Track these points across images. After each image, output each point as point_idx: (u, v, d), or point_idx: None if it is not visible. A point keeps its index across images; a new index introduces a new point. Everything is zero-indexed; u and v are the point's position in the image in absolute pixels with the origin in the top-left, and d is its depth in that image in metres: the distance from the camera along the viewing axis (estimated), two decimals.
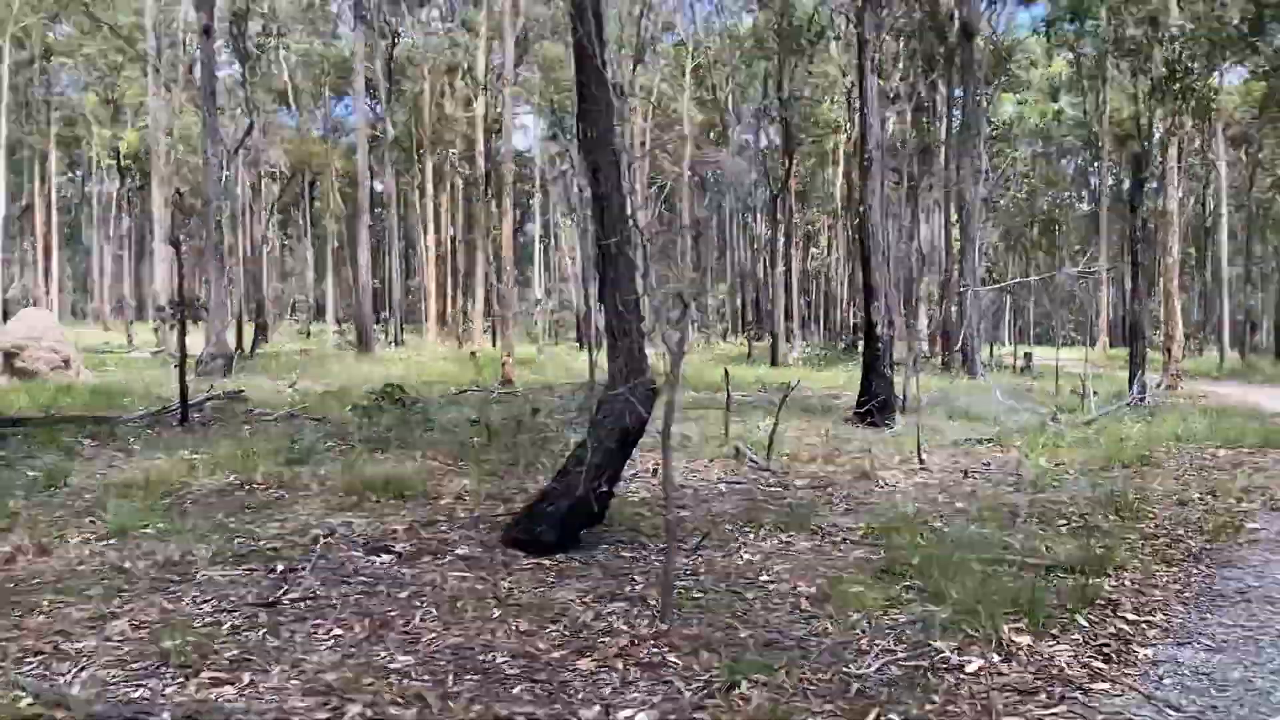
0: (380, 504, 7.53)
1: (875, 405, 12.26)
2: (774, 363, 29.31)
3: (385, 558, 6.01)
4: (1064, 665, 4.27)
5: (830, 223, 54.68)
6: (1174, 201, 21.55)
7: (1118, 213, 39.48)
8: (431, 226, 45.16)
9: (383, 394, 12.40)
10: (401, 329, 43.42)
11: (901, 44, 31.64)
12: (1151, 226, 26.51)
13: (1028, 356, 29.11)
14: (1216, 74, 25.99)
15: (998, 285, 29.00)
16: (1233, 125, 35.60)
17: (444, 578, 5.54)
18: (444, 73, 45.39)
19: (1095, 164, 43.51)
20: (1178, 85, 14.80)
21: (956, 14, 24.00)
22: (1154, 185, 25.08)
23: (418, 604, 5.08)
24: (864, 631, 4.69)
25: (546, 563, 5.90)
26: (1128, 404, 15.40)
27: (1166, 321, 22.83)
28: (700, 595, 5.33)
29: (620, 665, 4.21)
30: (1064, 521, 7.22)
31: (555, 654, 4.36)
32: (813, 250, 58.12)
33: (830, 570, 5.80)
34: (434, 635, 4.59)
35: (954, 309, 24.17)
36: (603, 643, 4.48)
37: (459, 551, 6.12)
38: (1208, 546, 6.61)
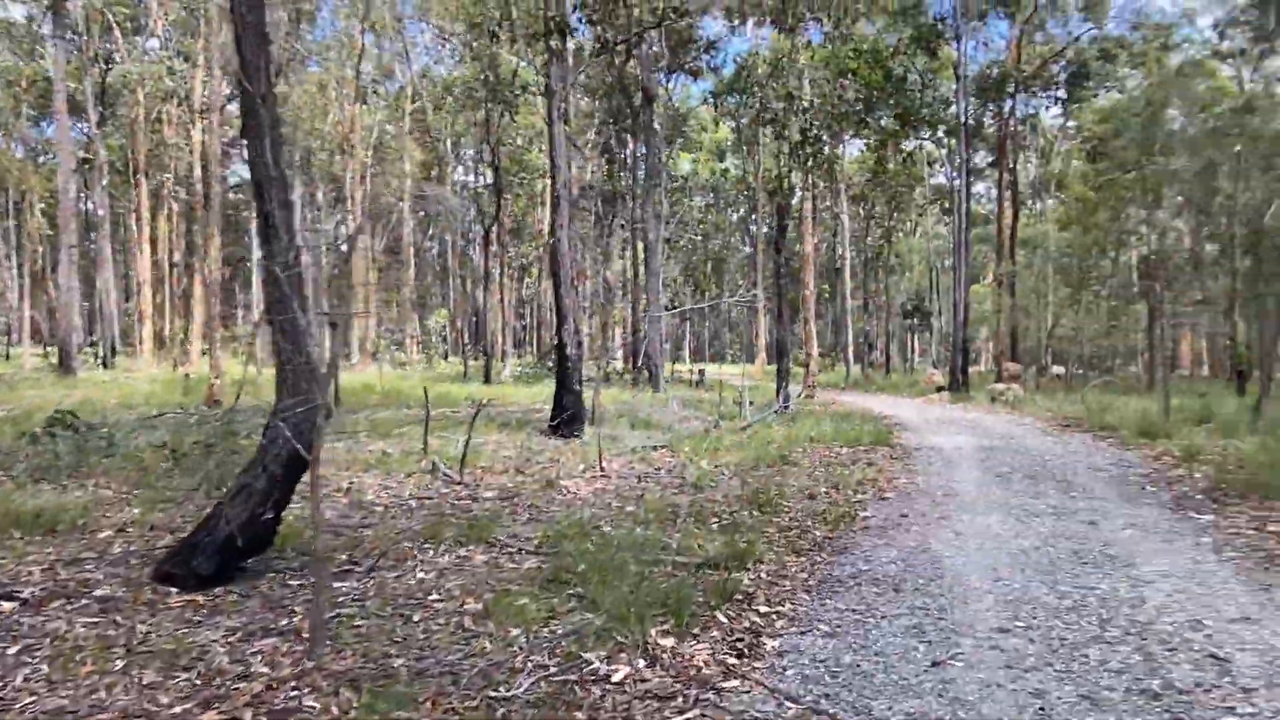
0: (23, 541, 6.10)
1: (565, 418, 12.00)
2: (487, 381, 28.58)
3: (5, 606, 4.76)
4: (702, 665, 4.02)
5: (540, 255, 54.78)
6: (810, 245, 23.43)
7: (770, 254, 42.54)
8: (148, 249, 40.24)
9: (54, 419, 10.41)
10: (114, 351, 38.16)
11: (597, 103, 32.23)
12: (795, 265, 28.66)
13: (701, 372, 30.44)
14: (841, 145, 28.60)
15: (675, 310, 30.07)
16: (853, 187, 39.64)
17: (71, 625, 4.44)
18: (161, 99, 40.68)
19: (753, 214, 46.74)
20: (809, 150, 15.90)
21: (640, 80, 24.73)
22: (795, 233, 27.11)
23: (28, 661, 3.98)
24: (521, 648, 4.21)
25: (200, 599, 4.92)
26: (775, 411, 16.27)
27: (806, 343, 24.65)
28: (363, 622, 4.62)
29: (249, 716, 3.43)
30: (716, 519, 7.19)
31: (177, 708, 3.50)
32: (526, 280, 58.02)
33: (500, 584, 5.29)
34: (33, 700, 3.56)
35: (641, 331, 24.70)
36: (236, 689, 3.67)
37: (98, 593, 4.99)
38: (830, 536, 6.79)
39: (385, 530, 6.73)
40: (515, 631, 4.41)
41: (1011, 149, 35.26)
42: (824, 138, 16.56)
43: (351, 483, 8.89)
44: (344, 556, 5.98)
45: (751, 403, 19.46)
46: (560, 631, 4.42)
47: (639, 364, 25.26)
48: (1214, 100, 31.52)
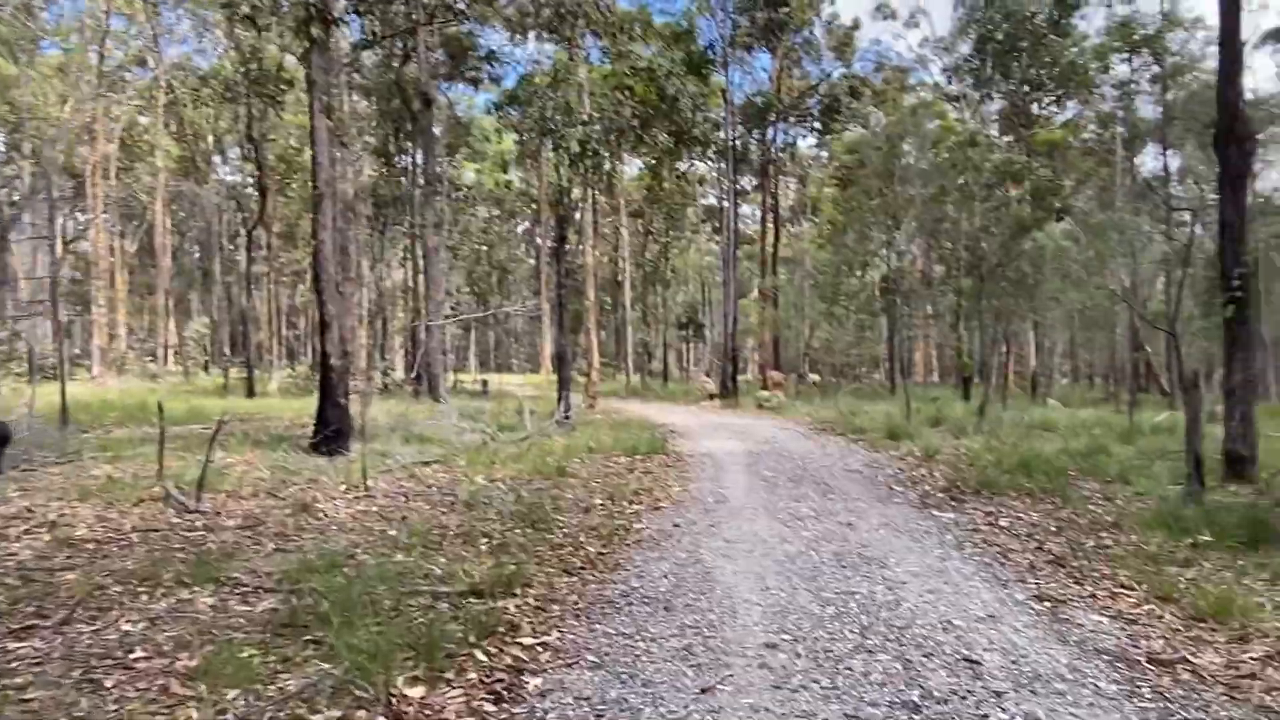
0: None
1: (329, 434, 10.93)
2: (250, 394, 26.12)
3: None
4: (453, 717, 3.47)
5: None
6: (591, 257, 23.43)
7: (554, 265, 42.33)
8: None
9: None
10: None
11: (375, 105, 30.55)
12: (579, 277, 28.51)
13: (484, 382, 29.60)
14: (620, 162, 28.87)
15: (455, 319, 29.06)
16: (632, 203, 40.35)
17: None
18: None
19: (537, 225, 46.36)
20: (588, 162, 15.71)
21: (418, 83, 23.64)
22: (578, 244, 26.97)
23: None
24: (236, 716, 3.47)
25: None
26: (556, 422, 15.90)
27: (588, 352, 24.52)
28: (36, 695, 3.67)
29: None
30: (487, 540, 6.64)
31: None
32: (300, 287, 54.17)
33: (224, 633, 4.45)
34: None
35: (422, 340, 23.53)
36: None
37: None
38: (603, 552, 6.44)
39: (92, 572, 5.60)
40: (232, 694, 3.65)
41: (774, 174, 37.31)
42: (602, 151, 16.45)
43: (61, 515, 7.48)
44: (30, 609, 4.87)
45: (533, 413, 18.99)
46: (290, 689, 3.71)
47: (419, 375, 24.07)
48: (941, 137, 35.01)
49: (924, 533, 7.18)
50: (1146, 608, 5.09)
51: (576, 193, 19.86)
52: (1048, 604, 5.19)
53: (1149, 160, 33.42)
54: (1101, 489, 9.55)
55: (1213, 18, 54.04)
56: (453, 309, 31.26)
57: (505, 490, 8.90)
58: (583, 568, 5.96)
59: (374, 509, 8.06)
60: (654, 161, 25.98)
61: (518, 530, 7.01)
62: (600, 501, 8.39)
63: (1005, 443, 13.99)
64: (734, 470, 10.90)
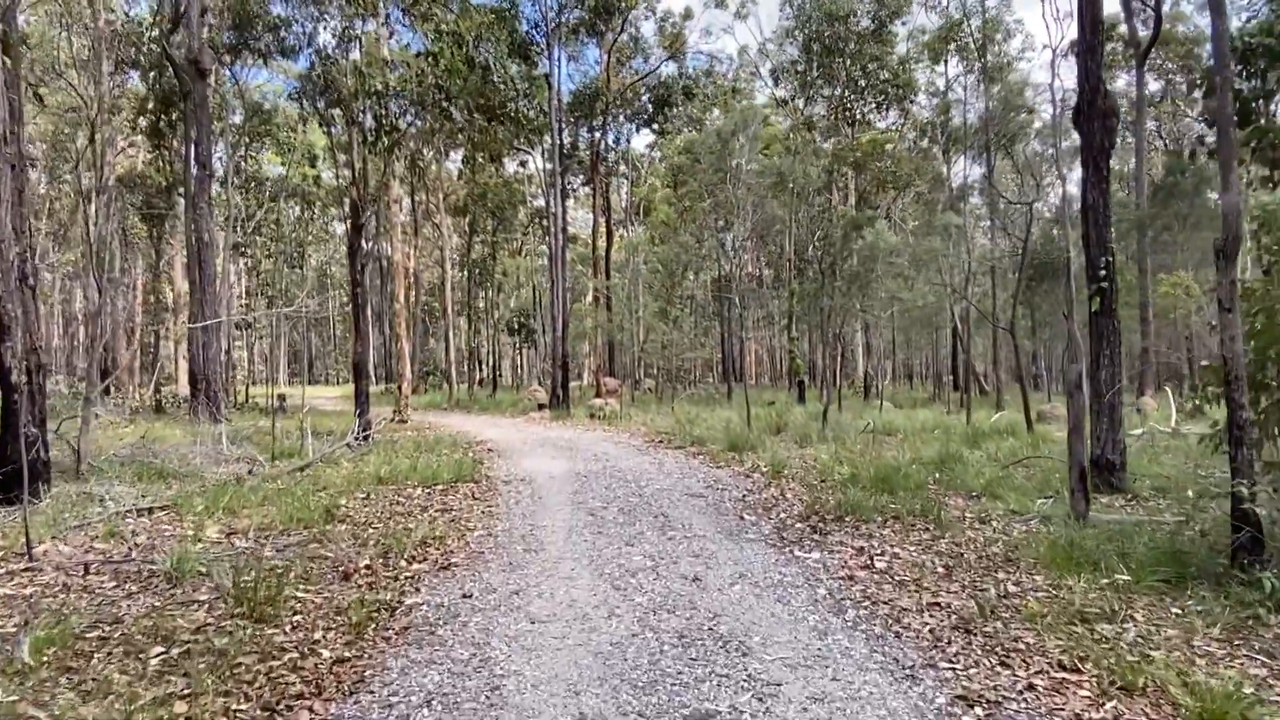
0: None
1: (4, 476, 8.11)
2: None
3: None
4: None
5: (81, 259, 45.10)
6: (401, 254, 20.88)
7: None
8: None
9: None
10: None
11: (143, 80, 26.48)
12: (391, 276, 25.72)
13: (281, 397, 26.23)
14: (432, 148, 26.38)
15: (236, 319, 25.55)
16: (453, 197, 37.72)
17: None
18: None
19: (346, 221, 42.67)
20: (385, 138, 13.39)
21: (188, 50, 20.25)
22: (375, 236, 24.27)
23: None
24: None
25: None
26: (347, 443, 13.44)
27: (398, 361, 21.91)
28: None
29: None
30: (164, 648, 4.41)
31: None
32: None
33: None
34: None
35: (201, 348, 20.10)
36: None
37: None
38: (346, 657, 4.37)
39: None
40: None
41: (604, 173, 35.89)
42: (401, 126, 14.16)
43: None
44: None
45: (330, 433, 16.36)
46: None
47: (196, 388, 20.62)
48: (770, 141, 34.79)
49: (790, 586, 5.58)
50: (1110, 708, 3.63)
51: (375, 181, 17.36)
52: (980, 710, 3.63)
53: (965, 165, 34.52)
54: (969, 506, 8.42)
55: (1030, 24, 57.88)
56: (245, 310, 27.56)
57: (242, 548, 6.60)
58: (302, 695, 3.87)
59: (27, 591, 5.57)
60: (470, 143, 23.70)
61: (229, 622, 4.81)
62: (369, 561, 6.26)
63: (853, 451, 12.94)
64: (556, 501, 9.01)
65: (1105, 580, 5.42)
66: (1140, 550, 5.88)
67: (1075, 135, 9.78)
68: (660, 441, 15.45)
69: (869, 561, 6.20)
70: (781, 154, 31.82)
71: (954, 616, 4.91)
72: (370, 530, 7.34)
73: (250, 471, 10.14)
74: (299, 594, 5.38)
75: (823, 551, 6.56)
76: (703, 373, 39.54)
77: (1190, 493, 8.51)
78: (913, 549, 6.60)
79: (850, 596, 5.34)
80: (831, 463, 11.44)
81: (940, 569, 6.00)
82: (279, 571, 5.68)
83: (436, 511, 8.27)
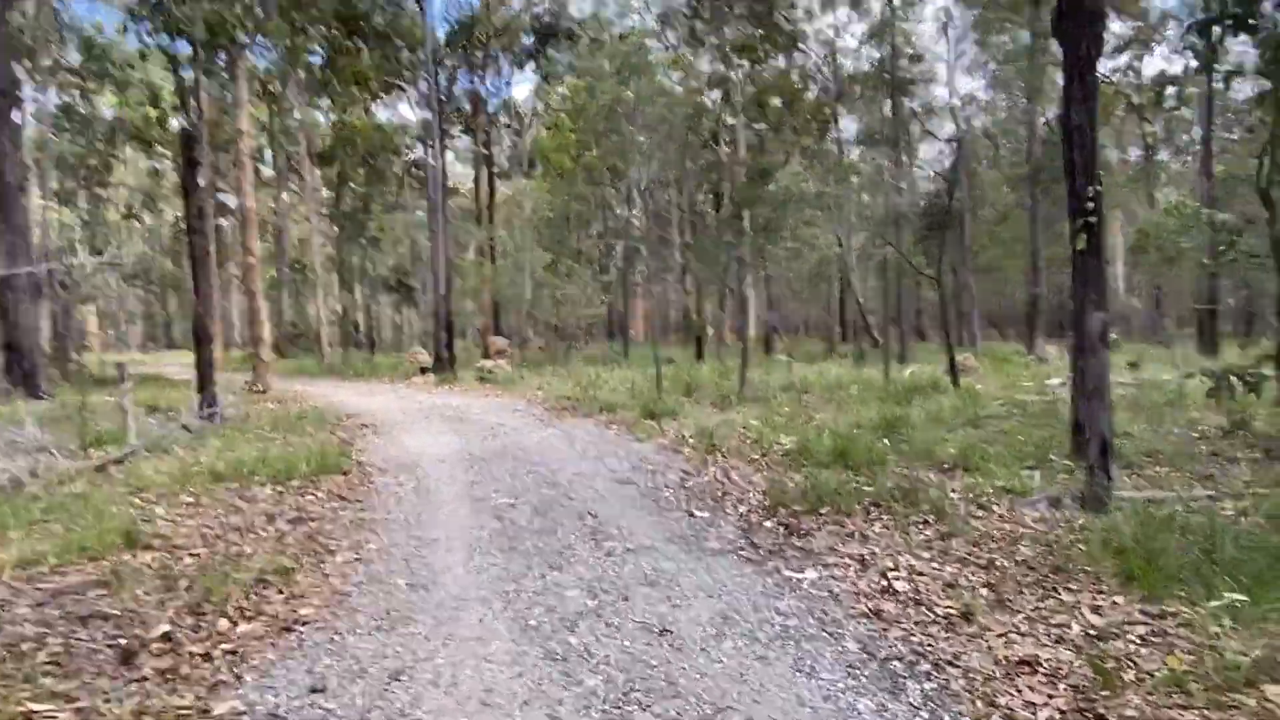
0: None
1: None
2: None
3: None
4: None
5: None
6: (252, 200, 17.89)
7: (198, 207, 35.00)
8: None
9: None
10: None
11: None
12: (237, 224, 22.44)
13: (121, 366, 22.69)
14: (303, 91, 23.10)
15: (48, 270, 21.82)
16: (320, 142, 34.03)
17: None
18: None
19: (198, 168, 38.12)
20: (223, 37, 10.68)
21: None
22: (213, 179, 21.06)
23: None
24: None
25: None
26: (184, 424, 10.88)
27: (252, 323, 19.00)
28: None
29: None
30: None
31: None
32: None
33: None
34: None
35: (13, 307, 16.63)
36: None
37: None
38: None
39: None
40: None
41: (486, 120, 33.11)
42: (239, 35, 11.44)
43: None
44: None
45: (171, 411, 13.60)
46: None
47: (9, 361, 17.17)
48: (661, 90, 32.83)
49: (801, 636, 3.84)
50: None
51: (204, 98, 14.44)
52: None
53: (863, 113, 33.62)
54: (949, 483, 6.97)
55: None
56: (66, 268, 23.67)
57: None
58: None
59: None
60: (333, 66, 20.72)
61: None
62: (169, 624, 4.11)
63: (782, 414, 11.44)
64: (450, 497, 7.00)
65: (1216, 602, 3.92)
66: (1228, 551, 4.44)
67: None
68: (563, 409, 13.54)
69: (885, 582, 4.54)
70: (669, 101, 29.94)
71: (1062, 685, 3.28)
72: (186, 561, 5.15)
73: (33, 473, 7.59)
74: (36, 707, 3.24)
75: (816, 567, 4.86)
76: (593, 331, 37.71)
77: (1186, 461, 7.34)
78: (925, 556, 5.00)
79: (895, 652, 3.64)
80: (766, 430, 9.86)
81: (981, 589, 4.39)
82: (19, 653, 3.51)
83: (288, 523, 6.11)
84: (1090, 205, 7.57)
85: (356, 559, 5.24)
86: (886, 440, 8.97)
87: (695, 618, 4.07)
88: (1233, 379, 9.23)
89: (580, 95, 30.68)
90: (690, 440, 9.57)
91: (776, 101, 31.80)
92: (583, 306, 26.63)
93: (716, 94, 34.45)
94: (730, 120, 35.18)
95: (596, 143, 29.67)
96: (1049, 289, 28.94)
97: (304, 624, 4.15)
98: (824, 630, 3.90)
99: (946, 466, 7.68)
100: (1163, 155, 42.00)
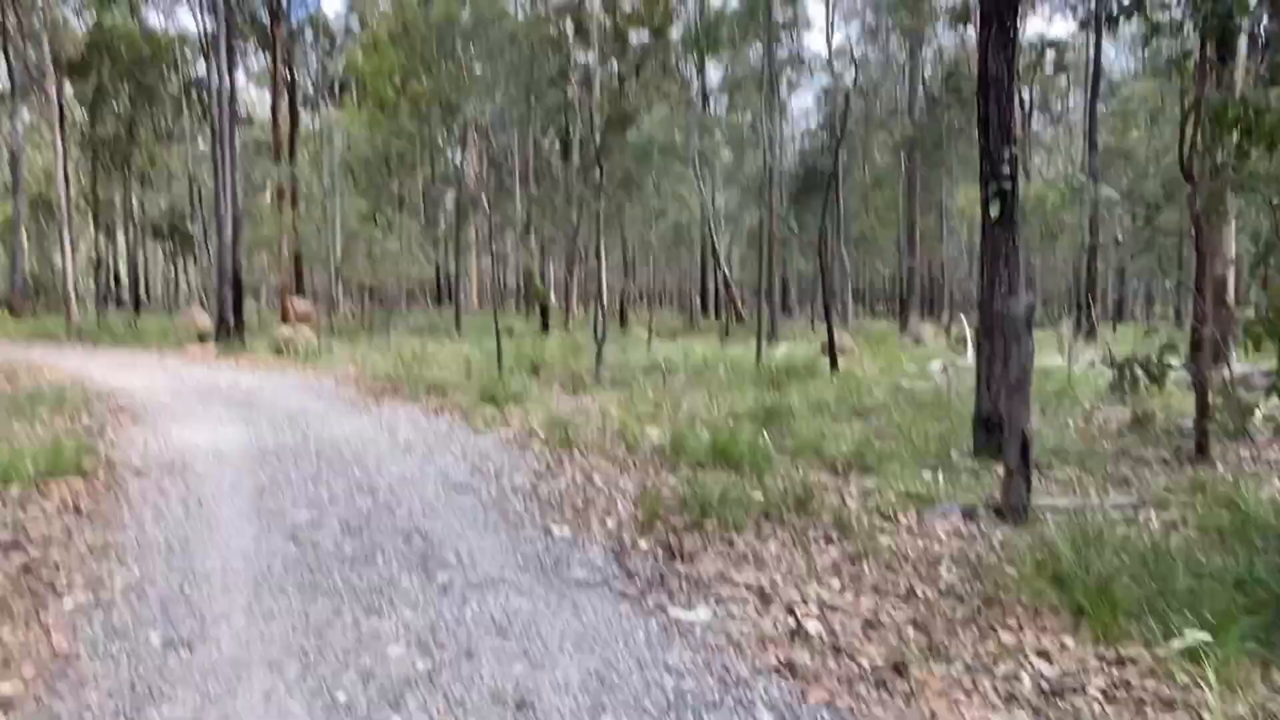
0: None
1: None
2: None
3: None
4: None
5: None
6: None
7: None
8: None
9: None
10: None
11: None
12: None
13: None
14: None
15: None
16: (73, 48, 30.52)
17: None
18: None
19: None
20: None
21: None
22: None
23: None
24: None
25: None
26: None
27: None
28: None
29: None
30: None
31: None
32: None
33: None
34: None
35: None
36: None
37: None
38: None
39: None
40: None
41: (289, 35, 30.83)
42: None
43: None
44: None
45: None
46: None
47: None
48: (503, 13, 31.60)
49: (701, 704, 3.37)
50: None
51: None
52: None
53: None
54: (843, 486, 6.79)
55: None
56: None
57: None
58: None
59: None
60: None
61: None
62: None
63: (645, 401, 11.10)
64: (231, 511, 6.10)
65: (1178, 644, 3.76)
66: (1180, 579, 4.34)
67: None
68: (383, 391, 12.64)
69: (794, 622, 4.15)
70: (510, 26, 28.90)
71: None
72: None
73: None
74: None
75: (709, 601, 4.41)
76: (419, 296, 36.28)
77: (1093, 463, 7.48)
78: (835, 585, 4.67)
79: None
80: (630, 421, 9.44)
81: (908, 628, 4.09)
82: None
83: None
84: (1007, 169, 7.54)
85: (93, 603, 4.34)
86: (766, 434, 8.77)
87: (562, 682, 3.51)
88: (1136, 370, 9.58)
89: (407, 12, 29.04)
90: (541, 433, 9.01)
91: (639, 37, 31.32)
92: (406, 266, 25.35)
93: (569, 25, 33.66)
94: (583, 58, 34.48)
95: (426, 71, 28.21)
96: (922, 263, 30.20)
97: (2, 708, 3.28)
98: (729, 694, 3.44)
99: (839, 466, 7.49)
100: (1036, 125, 44.91)
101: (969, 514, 5.99)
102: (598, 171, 13.13)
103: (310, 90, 37.15)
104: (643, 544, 5.33)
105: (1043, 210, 19.28)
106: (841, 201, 26.29)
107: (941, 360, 16.22)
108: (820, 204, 30.68)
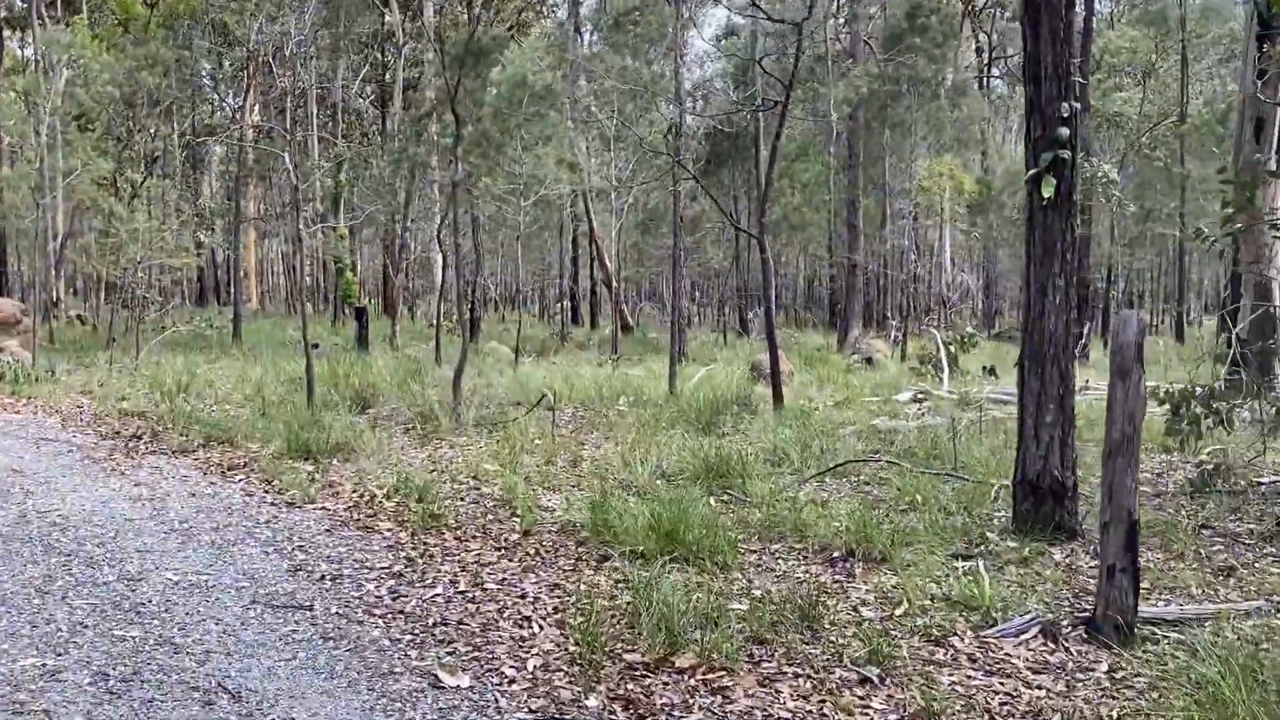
0: None
1: None
2: None
3: None
4: None
5: None
6: None
7: None
8: None
9: None
10: None
11: None
12: None
13: None
14: None
15: None
16: None
17: None
18: None
19: None
20: None
21: None
22: None
23: None
24: None
25: None
26: None
27: None
28: None
29: None
30: None
31: None
32: None
33: None
34: None
35: None
36: None
37: None
38: None
39: None
40: None
41: None
42: None
43: None
44: None
45: None
46: None
47: None
48: None
49: None
50: None
51: None
52: None
53: None
54: (849, 583, 6.17)
55: None
56: None
57: None
58: None
59: None
60: None
61: None
62: None
63: (529, 450, 10.38)
64: None
65: None
66: None
67: None
68: (136, 436, 11.39)
69: None
70: None
71: None
72: None
73: None
74: None
75: None
76: (179, 294, 34.33)
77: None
78: None
79: None
80: (516, 483, 8.61)
81: None
82: None
83: None
84: (1065, 132, 7.10)
85: None
86: (714, 500, 8.16)
87: None
88: (1195, 408, 9.35)
89: None
90: (388, 504, 8.05)
91: None
92: (162, 253, 23.70)
93: None
94: None
95: None
96: (868, 257, 30.37)
97: None
98: None
99: (834, 554, 6.85)
100: (998, 80, 46.39)
101: (1050, 632, 5.44)
102: (454, 123, 12.07)
103: (19, 1, 34.81)
104: (591, 701, 4.49)
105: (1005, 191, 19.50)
106: (763, 173, 25.98)
107: (911, 388, 15.98)
108: (734, 177, 30.47)
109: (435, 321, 22.84)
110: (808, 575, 6.37)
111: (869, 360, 21.05)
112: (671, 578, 5.93)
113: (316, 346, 20.00)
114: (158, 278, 26.16)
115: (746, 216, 35.11)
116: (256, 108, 37.65)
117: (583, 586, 6.01)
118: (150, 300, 24.30)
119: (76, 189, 26.08)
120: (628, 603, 5.56)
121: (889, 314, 33.58)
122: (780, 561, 6.71)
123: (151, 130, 31.37)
